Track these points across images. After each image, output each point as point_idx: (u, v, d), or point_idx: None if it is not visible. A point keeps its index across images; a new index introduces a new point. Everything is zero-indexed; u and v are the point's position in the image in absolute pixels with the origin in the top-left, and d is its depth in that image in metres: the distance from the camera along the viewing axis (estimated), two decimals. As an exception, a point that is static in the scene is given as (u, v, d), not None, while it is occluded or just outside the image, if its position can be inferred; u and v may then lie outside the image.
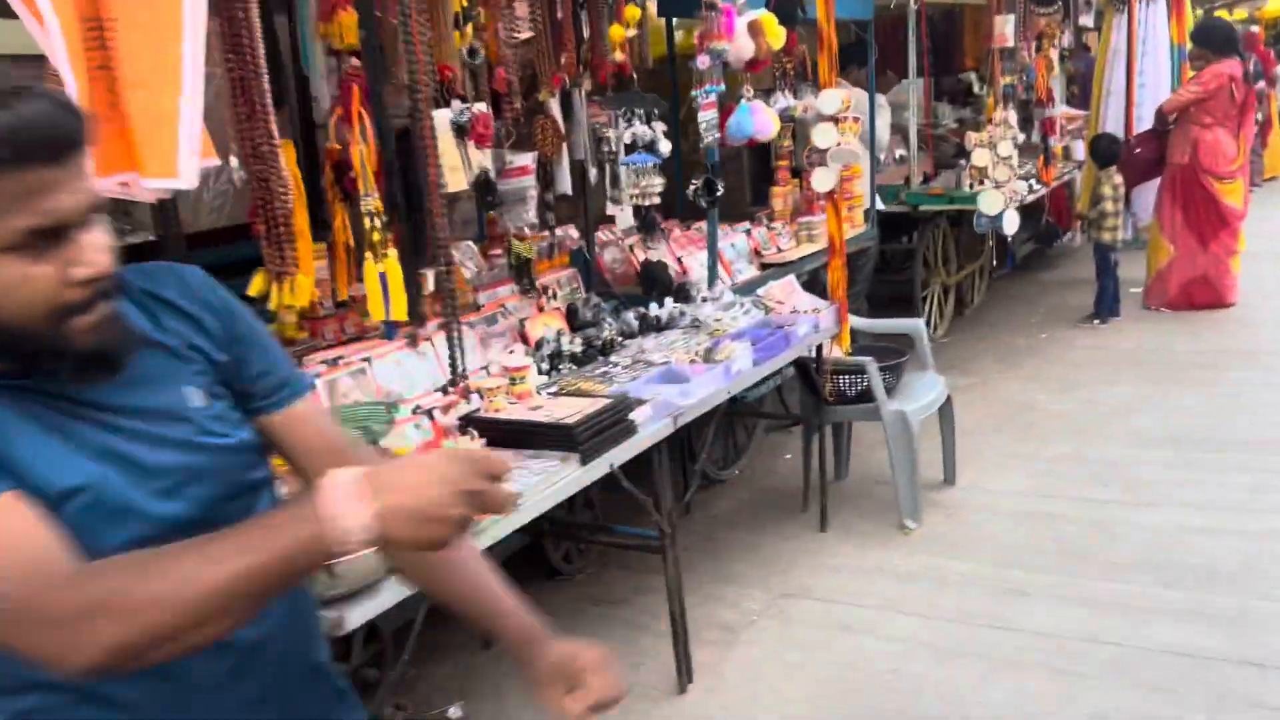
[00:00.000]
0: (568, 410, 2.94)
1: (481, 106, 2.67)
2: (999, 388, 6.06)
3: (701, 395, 3.35)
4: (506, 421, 2.90)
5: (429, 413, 2.98)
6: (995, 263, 8.28)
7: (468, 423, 2.94)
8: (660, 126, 3.30)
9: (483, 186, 2.72)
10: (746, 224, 5.40)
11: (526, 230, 3.02)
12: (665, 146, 3.33)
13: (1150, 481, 4.55)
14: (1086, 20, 8.98)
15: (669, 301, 4.15)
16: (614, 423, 2.93)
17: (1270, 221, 10.19)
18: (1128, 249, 8.15)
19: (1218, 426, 5.10)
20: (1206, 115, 6.96)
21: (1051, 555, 3.99)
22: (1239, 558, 3.79)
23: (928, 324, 7.01)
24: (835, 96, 3.84)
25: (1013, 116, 5.77)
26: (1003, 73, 5.81)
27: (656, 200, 3.41)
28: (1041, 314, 7.58)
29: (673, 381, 3.43)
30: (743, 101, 3.56)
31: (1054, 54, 6.88)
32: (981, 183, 5.74)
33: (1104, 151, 7.00)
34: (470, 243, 3.88)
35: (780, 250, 5.29)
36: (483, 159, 2.67)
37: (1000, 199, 5.57)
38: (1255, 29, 14.18)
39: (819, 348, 4.33)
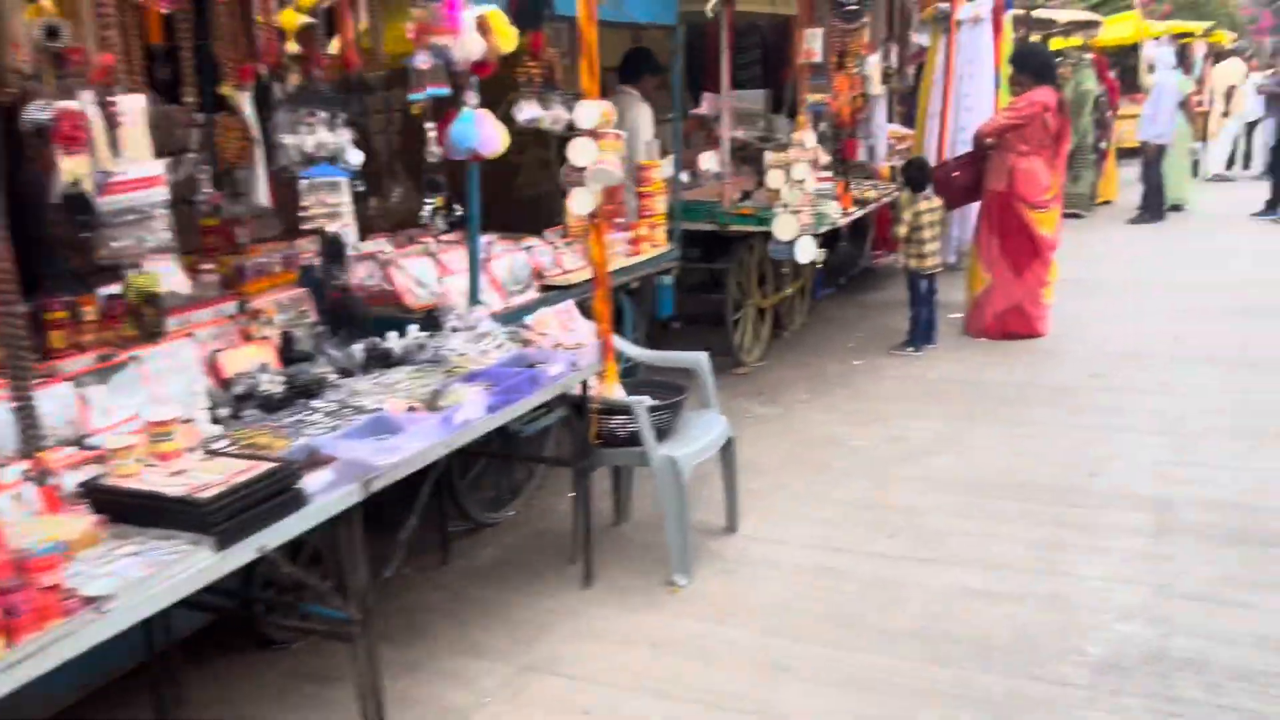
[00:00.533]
0: (216, 476, 2.39)
1: (67, 102, 2.10)
2: (804, 419, 5.76)
3: (409, 452, 2.84)
4: (125, 492, 2.33)
5: (40, 477, 2.39)
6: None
7: (87, 491, 2.37)
8: (348, 134, 2.79)
9: (75, 202, 2.15)
10: (534, 240, 4.93)
11: (148, 257, 2.44)
12: (355, 157, 2.81)
13: (940, 532, 4.28)
14: (922, 39, 8.87)
15: (412, 330, 3.64)
16: (271, 494, 2.40)
17: (1098, 246, 10.35)
18: (952, 272, 8.07)
19: (1017, 470, 4.89)
20: (1022, 143, 6.86)
21: (824, 620, 3.65)
22: (1015, 628, 3.52)
23: (741, 347, 6.72)
24: (593, 109, 3.40)
25: (810, 138, 5.44)
26: (811, 90, 5.50)
27: (346, 222, 2.88)
28: (860, 339, 7.37)
29: (381, 433, 2.93)
30: (465, 109, 3.07)
31: (875, 72, 6.65)
32: (784, 207, 5.40)
33: (914, 176, 6.81)
34: (172, 256, 3.28)
35: (565, 270, 4.83)
36: (76, 166, 2.10)
37: (794, 224, 5.25)
38: (1089, 55, 14.54)
39: (584, 384, 3.90)
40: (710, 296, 6.72)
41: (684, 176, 6.95)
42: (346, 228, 2.93)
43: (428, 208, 3.23)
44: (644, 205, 5.43)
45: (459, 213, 3.40)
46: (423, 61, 2.87)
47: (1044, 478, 4.77)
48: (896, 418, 5.67)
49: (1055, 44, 15.05)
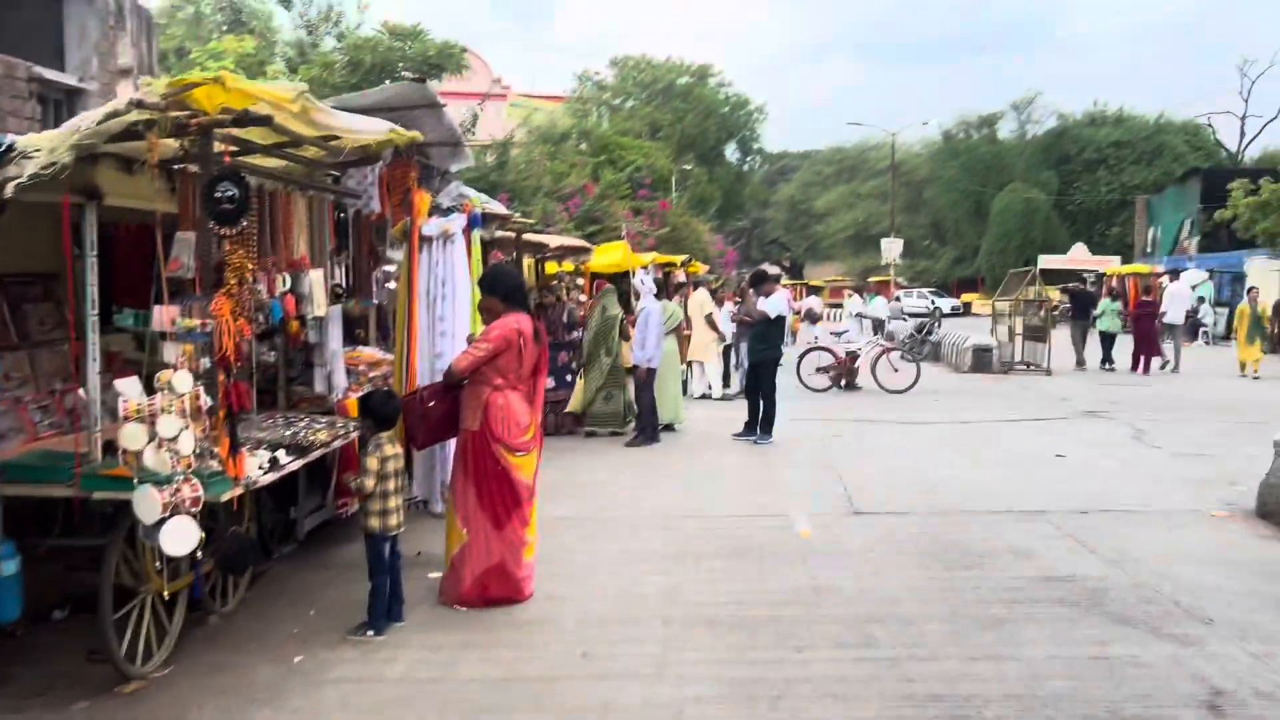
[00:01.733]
0: None
1: None
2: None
3: None
4: None
5: None
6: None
7: None
8: None
9: None
10: None
11: None
12: None
13: None
14: (396, 254, 7.93)
15: None
16: None
17: (598, 473, 9.79)
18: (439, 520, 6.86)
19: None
20: (497, 375, 5.94)
21: None
22: None
23: (133, 653, 4.85)
24: None
25: (184, 379, 3.99)
26: (190, 314, 4.06)
27: None
28: (312, 618, 5.78)
29: None
30: None
31: (319, 290, 5.42)
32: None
33: (378, 411, 5.61)
34: None
35: None
36: None
37: (156, 501, 3.71)
38: (577, 282, 14.78)
39: None
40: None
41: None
42: None
43: None
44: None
45: None
46: None
47: None
48: (328, 758, 4.13)
49: (550, 269, 15.27)
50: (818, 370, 18.32)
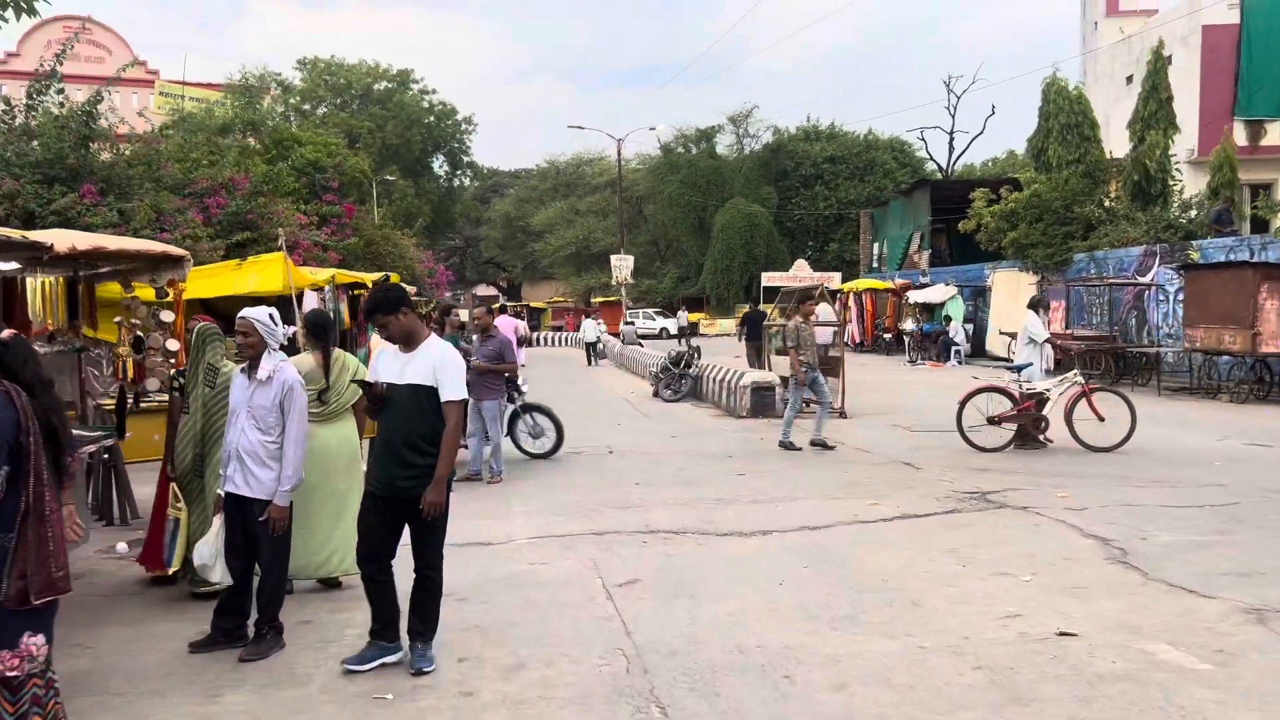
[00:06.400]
0: None
1: None
2: None
3: None
4: None
5: None
6: None
7: None
8: None
9: None
10: None
11: None
12: None
13: None
14: None
15: None
16: None
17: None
18: None
19: None
20: None
21: None
22: None
23: None
24: None
25: None
26: None
27: None
28: None
29: None
30: None
31: None
32: None
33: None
34: None
35: None
36: None
37: None
38: (161, 318, 8.57)
39: None
40: None
41: None
42: None
43: None
44: None
45: None
46: None
47: None
48: None
49: (109, 291, 8.96)
50: (989, 421, 12.91)
